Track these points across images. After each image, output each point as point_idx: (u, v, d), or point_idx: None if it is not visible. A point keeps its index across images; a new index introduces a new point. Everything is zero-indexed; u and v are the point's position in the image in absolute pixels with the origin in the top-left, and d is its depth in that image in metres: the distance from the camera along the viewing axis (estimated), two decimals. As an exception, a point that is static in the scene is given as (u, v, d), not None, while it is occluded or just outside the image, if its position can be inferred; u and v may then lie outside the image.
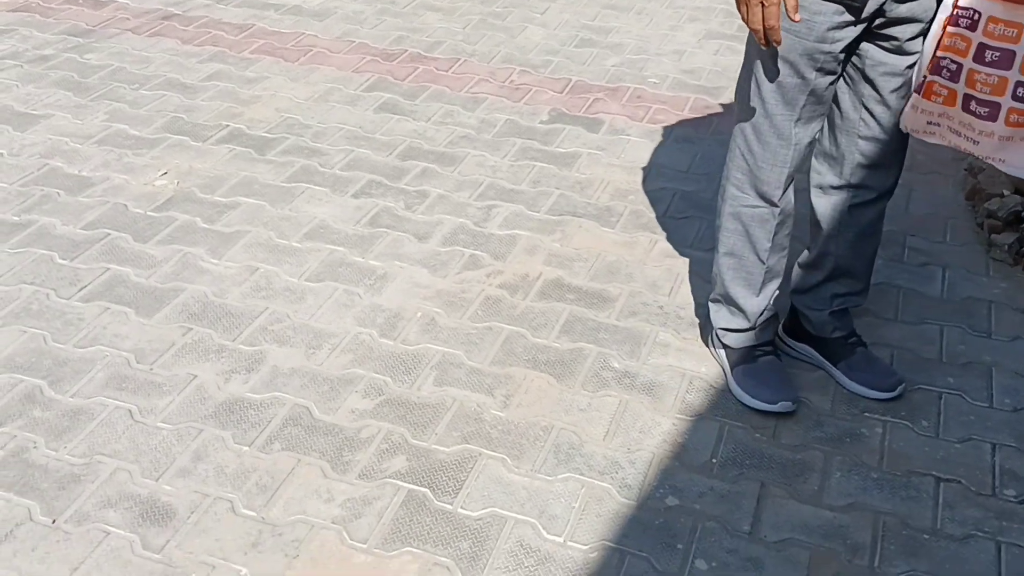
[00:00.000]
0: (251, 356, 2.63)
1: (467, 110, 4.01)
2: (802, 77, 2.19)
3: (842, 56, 2.19)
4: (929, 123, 2.23)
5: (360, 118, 3.92)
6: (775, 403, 2.46)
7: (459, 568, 2.07)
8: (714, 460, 2.35)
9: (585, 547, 2.12)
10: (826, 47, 2.15)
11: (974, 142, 2.19)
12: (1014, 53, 2.04)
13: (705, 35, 4.73)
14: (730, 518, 2.20)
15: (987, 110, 2.12)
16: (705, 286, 2.95)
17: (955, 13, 2.09)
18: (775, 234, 2.44)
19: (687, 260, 3.08)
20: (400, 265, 3.03)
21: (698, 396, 2.54)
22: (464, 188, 3.46)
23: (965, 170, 3.56)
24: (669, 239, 3.19)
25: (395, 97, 4.10)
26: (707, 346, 2.69)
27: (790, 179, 2.37)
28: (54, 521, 2.15)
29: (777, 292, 2.55)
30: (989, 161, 2.21)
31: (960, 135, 2.21)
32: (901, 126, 2.27)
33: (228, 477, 2.27)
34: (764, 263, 2.45)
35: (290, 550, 2.10)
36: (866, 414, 2.49)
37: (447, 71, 4.35)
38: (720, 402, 2.52)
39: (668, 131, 3.88)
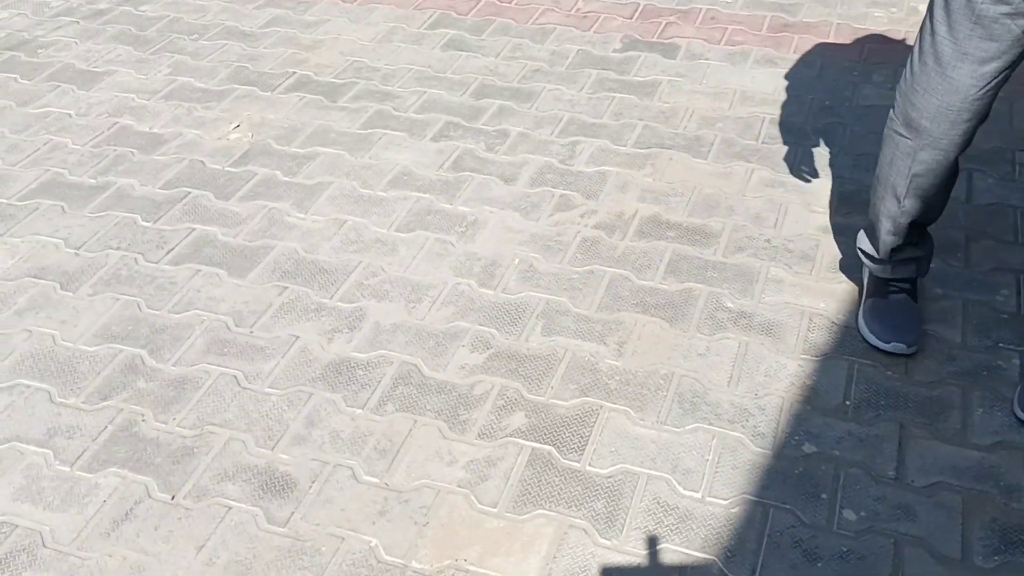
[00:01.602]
0: (351, 313, 2.51)
1: (536, 42, 3.83)
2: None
3: None
4: None
5: (428, 57, 3.75)
6: (888, 343, 2.31)
7: (596, 529, 1.96)
8: (847, 402, 2.21)
9: (725, 502, 2.00)
10: None
11: None
12: None
13: (774, -50, 4.49)
14: (873, 463, 2.07)
15: None
16: (812, 216, 2.79)
17: None
18: (914, 174, 2.20)
19: (788, 189, 2.91)
20: (490, 210, 2.88)
21: (821, 334, 2.39)
22: (544, 125, 3.30)
23: None
24: (766, 167, 3.01)
25: (461, 33, 3.92)
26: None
27: (947, 119, 2.06)
28: (173, 497, 2.05)
29: (925, 236, 2.37)
30: None
31: None
32: None
33: (345, 442, 2.16)
34: (899, 201, 2.24)
35: (419, 517, 1.99)
36: (1000, 345, 2.33)
37: (510, 2, 4.16)
38: (846, 340, 2.37)
39: (748, 53, 3.68)
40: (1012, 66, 2.00)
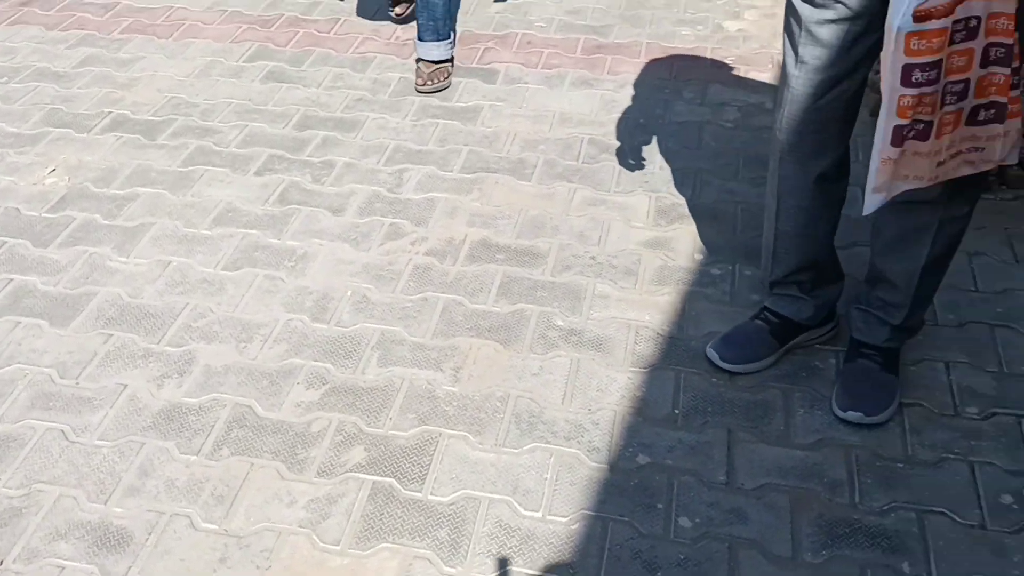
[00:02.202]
0: (180, 357, 2.43)
1: (357, 71, 3.80)
2: (791, 4, 2.00)
3: None
4: (939, 164, 1.86)
5: (247, 90, 3.67)
6: (727, 362, 2.36)
7: (440, 558, 1.94)
8: (677, 411, 2.27)
9: (565, 519, 2.02)
10: None
11: (978, 149, 1.86)
12: (1012, 47, 1.74)
13: (585, -26, 4.58)
14: (704, 470, 2.12)
15: (994, 112, 1.82)
16: (633, 231, 2.85)
17: (952, 29, 1.71)
18: (780, 192, 2.21)
19: (609, 207, 2.96)
20: (319, 242, 2.84)
21: (647, 346, 2.45)
22: (370, 154, 3.27)
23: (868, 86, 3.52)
24: (588, 187, 3.06)
25: (280, 65, 3.86)
26: None
27: (795, 130, 2.07)
28: (1, 562, 1.93)
29: (819, 288, 2.35)
30: (987, 165, 1.90)
31: (962, 152, 1.87)
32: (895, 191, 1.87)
33: (181, 491, 2.08)
34: (774, 223, 2.25)
35: (261, 561, 1.94)
36: (817, 346, 2.43)
37: (329, 33, 4.11)
38: (671, 350, 2.43)
39: (564, 75, 3.74)
40: (852, 75, 2.01)
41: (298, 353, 2.44)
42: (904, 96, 1.71)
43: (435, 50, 3.60)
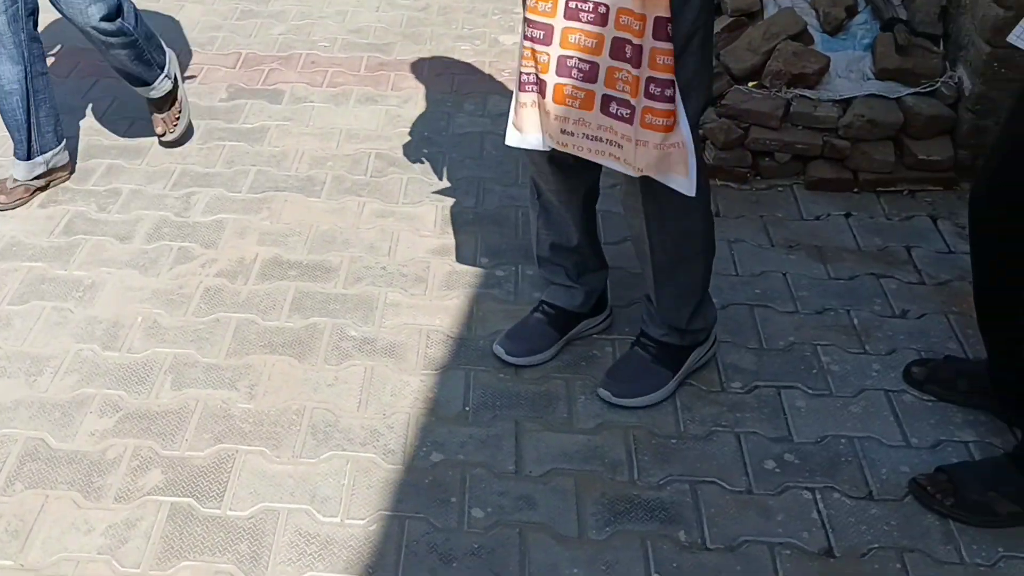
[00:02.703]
0: (-37, 397, 2.35)
1: (140, 97, 3.72)
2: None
3: None
4: (563, 131, 2.03)
5: (25, 121, 3.55)
6: (509, 354, 2.48)
7: (242, 571, 1.96)
8: (467, 408, 2.35)
9: (363, 521, 2.07)
10: None
11: (618, 145, 1.99)
12: (641, 48, 1.87)
13: (366, -8, 4.63)
14: (494, 461, 2.21)
15: (628, 112, 1.94)
16: (421, 240, 2.93)
17: (569, 7, 1.91)
18: (533, 183, 2.40)
19: (397, 218, 3.03)
20: (107, 271, 2.79)
21: (439, 349, 2.52)
22: (157, 179, 3.23)
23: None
24: (377, 199, 3.12)
25: (61, 94, 3.74)
26: None
27: None
28: None
29: (584, 272, 2.48)
30: (631, 170, 2.01)
31: (601, 140, 2.01)
32: (541, 142, 2.09)
33: (-32, 533, 2.02)
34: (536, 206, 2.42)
35: (57, 595, 1.91)
36: (595, 336, 2.55)
37: (109, 59, 4.01)
38: (461, 351, 2.51)
39: (349, 93, 3.79)
40: None
41: (90, 382, 2.40)
42: (560, 85, 1.97)
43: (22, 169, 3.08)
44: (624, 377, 2.34)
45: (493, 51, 4.04)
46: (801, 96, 3.07)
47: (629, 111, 1.93)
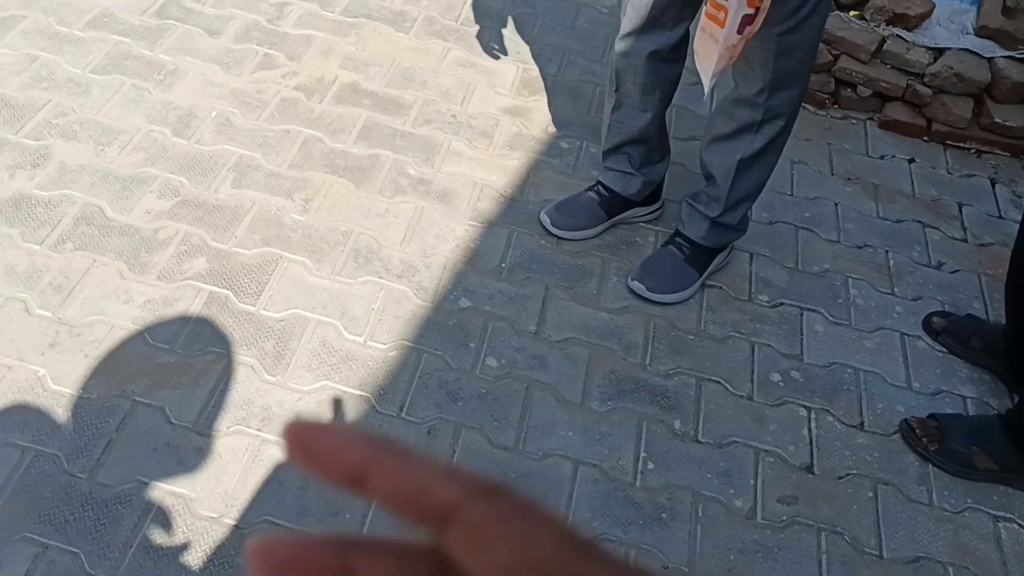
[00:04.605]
0: (36, 151, 2.37)
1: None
2: None
3: None
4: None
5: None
6: (557, 227, 2.43)
7: (263, 367, 1.99)
8: (503, 265, 2.34)
9: (384, 346, 2.08)
10: None
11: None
12: None
13: None
14: (517, 319, 2.20)
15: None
16: (496, 97, 2.87)
17: None
18: (616, 70, 2.24)
19: (478, 70, 2.96)
20: (192, 61, 2.77)
21: (488, 204, 2.50)
22: (256, -17, 3.17)
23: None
24: (462, 48, 3.05)
25: None
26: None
27: (637, 14, 2.10)
28: None
29: (649, 162, 2.41)
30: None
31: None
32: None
33: (20, 276, 2.06)
34: (613, 95, 2.31)
35: (90, 350, 1.95)
36: (641, 224, 2.51)
37: None
38: (509, 211, 2.48)
39: (459, -62, 3.66)
40: None
41: (154, 163, 2.41)
42: None
43: None
44: (658, 272, 2.31)
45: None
46: (897, 36, 2.92)
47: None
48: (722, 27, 1.83)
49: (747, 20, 1.82)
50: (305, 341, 2.05)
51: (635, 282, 2.30)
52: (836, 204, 2.68)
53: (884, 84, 2.94)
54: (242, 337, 2.04)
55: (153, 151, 2.44)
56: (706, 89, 1.95)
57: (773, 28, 1.94)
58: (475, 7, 3.26)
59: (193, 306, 2.08)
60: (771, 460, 1.99)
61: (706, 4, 1.86)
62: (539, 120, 2.80)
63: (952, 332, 2.31)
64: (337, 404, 1.94)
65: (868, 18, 2.97)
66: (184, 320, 2.04)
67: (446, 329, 2.15)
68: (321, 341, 2.06)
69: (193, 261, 2.18)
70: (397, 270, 2.26)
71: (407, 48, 3.01)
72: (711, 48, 1.88)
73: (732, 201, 2.27)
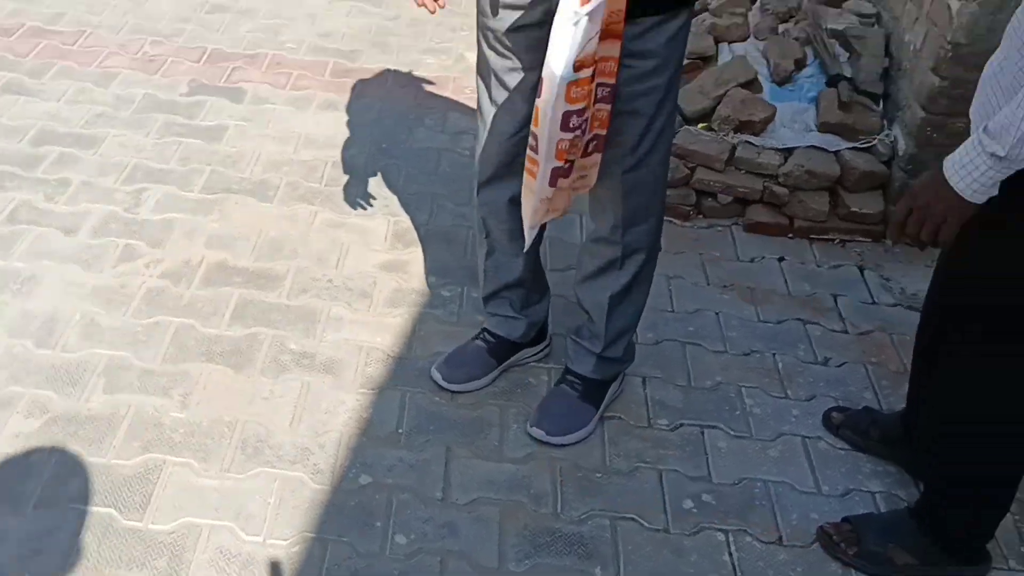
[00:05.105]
0: None
1: (100, 86, 3.58)
2: (482, 51, 2.02)
3: (514, 40, 1.93)
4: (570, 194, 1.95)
5: (-18, 102, 3.39)
6: (447, 381, 2.37)
7: (158, 588, 1.84)
8: (400, 430, 2.25)
9: (286, 542, 1.96)
10: (491, 22, 1.94)
11: (584, 177, 1.92)
12: (614, 86, 1.81)
13: (335, -2, 4.48)
14: (421, 487, 2.11)
15: (595, 143, 1.87)
16: (370, 254, 2.81)
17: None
18: (481, 218, 2.25)
19: (348, 229, 2.91)
20: (48, 264, 2.65)
21: (377, 367, 2.42)
22: (109, 172, 3.08)
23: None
24: (329, 209, 3.00)
25: (19, 76, 3.58)
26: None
27: (493, 165, 2.12)
28: None
29: (528, 304, 2.39)
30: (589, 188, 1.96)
31: (576, 182, 1.92)
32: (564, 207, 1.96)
33: None
34: (483, 244, 2.29)
35: (-35, 604, 1.78)
36: (532, 364, 2.47)
37: (73, 45, 3.85)
38: (399, 371, 2.41)
39: (311, 98, 3.65)
40: None
41: (18, 380, 2.27)
42: (562, 140, 1.75)
43: None
44: (555, 414, 2.25)
45: (459, 67, 3.92)
46: (746, 142, 3.00)
47: (598, 141, 1.86)
48: (534, 179, 1.82)
49: (559, 172, 1.81)
50: (200, 552, 1.92)
51: (535, 428, 2.24)
52: (717, 314, 2.69)
53: (742, 189, 3.00)
54: (131, 558, 1.89)
55: (15, 367, 2.30)
56: (527, 241, 1.94)
57: (615, 168, 1.95)
58: (336, 166, 3.23)
59: (75, 532, 1.93)
60: (699, 597, 1.93)
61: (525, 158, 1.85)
62: (417, 272, 2.76)
63: (851, 426, 2.31)
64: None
65: (716, 128, 3.04)
66: (66, 550, 1.89)
67: (348, 511, 2.04)
68: (217, 549, 1.93)
69: (70, 482, 2.03)
70: (290, 456, 2.15)
71: (273, 217, 2.95)
72: (528, 199, 1.88)
73: (612, 336, 2.25)
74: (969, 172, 1.55)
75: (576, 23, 1.62)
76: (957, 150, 1.58)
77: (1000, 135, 1.50)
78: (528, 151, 1.82)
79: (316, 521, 2.01)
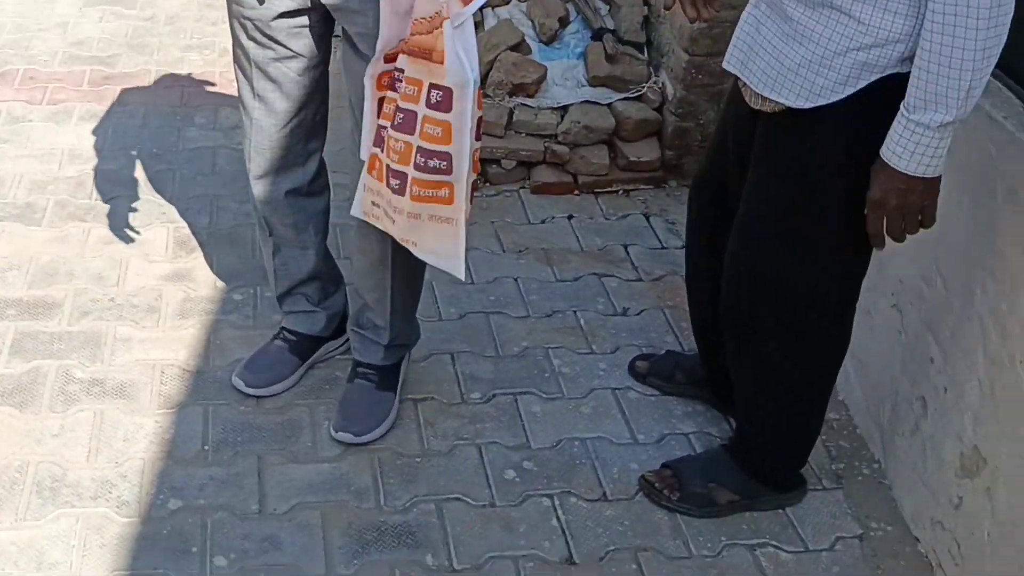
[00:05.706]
0: None
1: None
2: (240, 43, 1.92)
3: (277, 28, 1.86)
4: (373, 204, 1.85)
5: None
6: (249, 386, 2.26)
7: (-41, 661, 1.68)
8: (206, 447, 2.13)
9: (98, 586, 1.82)
10: (252, 12, 1.85)
11: (392, 221, 1.81)
12: (416, 115, 1.70)
13: (85, 3, 4.18)
14: (236, 503, 2.01)
15: (398, 183, 1.75)
16: (152, 266, 2.66)
17: (393, 75, 1.72)
18: (260, 215, 2.18)
19: (127, 244, 2.73)
20: None
21: (174, 385, 2.28)
22: None
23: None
24: (102, 225, 2.80)
25: None
26: None
27: (266, 160, 2.06)
28: None
29: (328, 296, 2.31)
30: (407, 245, 1.85)
31: (389, 217, 1.82)
32: (354, 212, 1.91)
33: None
34: (268, 239, 2.20)
35: None
36: (337, 357, 2.38)
37: None
38: (198, 385, 2.29)
39: (71, 110, 3.41)
40: (308, 104, 2.00)
41: None
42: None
43: None
44: (357, 412, 2.16)
45: (223, 61, 3.73)
46: (523, 105, 3.00)
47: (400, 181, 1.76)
48: (451, 204, 1.74)
49: (474, 186, 1.78)
50: (1, 612, 1.76)
51: (341, 433, 2.14)
52: (516, 279, 2.68)
53: (524, 152, 3.00)
54: (-76, 634, 1.72)
55: None
56: (461, 273, 1.84)
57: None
58: (106, 178, 3.03)
59: None
60: (531, 565, 1.92)
61: (403, 212, 1.77)
62: (204, 278, 2.62)
63: (656, 372, 2.35)
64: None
65: (492, 94, 3.02)
66: None
67: (161, 541, 1.92)
68: (21, 606, 1.78)
69: None
70: (90, 492, 2.00)
71: (43, 241, 2.74)
72: (451, 232, 1.77)
73: (397, 324, 2.16)
74: (923, 153, 1.51)
75: (460, 24, 1.61)
76: (890, 141, 1.54)
77: (938, 102, 1.47)
78: (428, 177, 1.71)
79: (127, 557, 1.88)
